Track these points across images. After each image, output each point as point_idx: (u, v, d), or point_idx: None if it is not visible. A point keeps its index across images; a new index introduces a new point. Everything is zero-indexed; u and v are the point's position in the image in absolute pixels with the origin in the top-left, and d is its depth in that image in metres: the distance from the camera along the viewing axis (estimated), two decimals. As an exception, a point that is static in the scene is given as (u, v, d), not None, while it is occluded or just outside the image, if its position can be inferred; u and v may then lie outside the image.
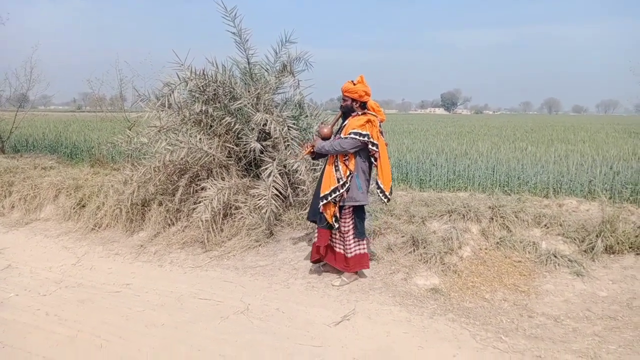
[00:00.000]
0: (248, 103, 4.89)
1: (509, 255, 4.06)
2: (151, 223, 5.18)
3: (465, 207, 4.55)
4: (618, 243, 3.92)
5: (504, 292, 3.61)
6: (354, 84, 3.63)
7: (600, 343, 2.89)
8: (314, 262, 4.01)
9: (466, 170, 6.92)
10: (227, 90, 5.07)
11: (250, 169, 5.41)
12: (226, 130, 5.16)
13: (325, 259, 3.93)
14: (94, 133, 11.51)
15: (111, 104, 11.43)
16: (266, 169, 4.75)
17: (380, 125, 3.69)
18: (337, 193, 3.60)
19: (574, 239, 4.12)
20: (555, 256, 3.92)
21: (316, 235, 3.85)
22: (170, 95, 4.75)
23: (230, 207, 4.96)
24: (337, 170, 3.63)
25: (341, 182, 3.60)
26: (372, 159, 3.68)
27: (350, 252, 3.78)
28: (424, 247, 4.10)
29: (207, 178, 5.11)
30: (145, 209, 5.36)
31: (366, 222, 4.03)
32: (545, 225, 4.33)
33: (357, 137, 3.52)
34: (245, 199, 4.93)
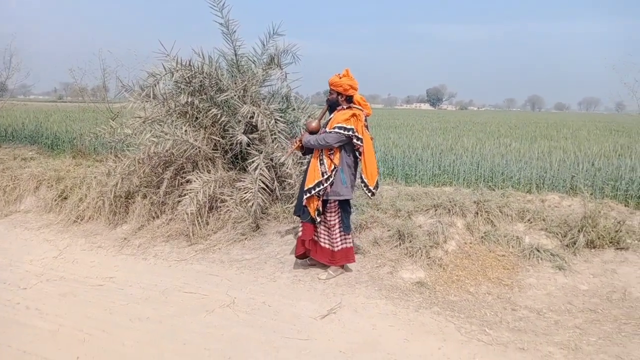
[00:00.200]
0: (235, 95, 4.84)
1: (493, 249, 4.11)
2: (135, 216, 5.11)
3: (450, 202, 4.59)
4: (599, 238, 3.99)
5: (488, 285, 3.66)
6: (340, 78, 3.62)
7: (581, 335, 2.95)
8: (299, 256, 4.00)
9: (451, 166, 6.97)
10: (213, 82, 5.01)
11: (237, 162, 5.37)
12: (212, 123, 5.10)
13: (310, 253, 3.92)
14: (76, 124, 11.27)
15: (93, 94, 11.20)
16: (253, 162, 4.72)
17: (366, 120, 3.69)
18: (321, 187, 3.60)
19: (557, 234, 4.20)
20: (538, 250, 3.99)
21: (301, 229, 3.85)
22: (156, 86, 4.68)
23: (216, 200, 4.92)
24: (322, 164, 3.63)
25: (325, 177, 3.59)
26: (357, 153, 3.67)
27: (337, 246, 3.78)
28: (410, 241, 4.13)
29: (193, 170, 5.05)
30: (129, 201, 5.28)
31: (352, 216, 4.03)
32: (529, 220, 4.39)
33: (342, 131, 3.51)
34: (231, 192, 4.89)
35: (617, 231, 4.01)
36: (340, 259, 3.81)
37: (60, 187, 5.81)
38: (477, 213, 4.49)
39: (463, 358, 2.72)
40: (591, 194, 4.88)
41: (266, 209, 4.99)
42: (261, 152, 4.80)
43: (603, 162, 6.81)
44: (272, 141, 4.83)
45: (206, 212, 4.84)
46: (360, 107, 3.65)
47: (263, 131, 4.80)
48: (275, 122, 4.80)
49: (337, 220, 3.77)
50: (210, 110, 4.96)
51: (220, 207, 4.90)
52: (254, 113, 4.66)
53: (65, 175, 6.12)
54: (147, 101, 4.94)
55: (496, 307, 3.35)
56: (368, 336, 2.96)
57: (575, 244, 4.00)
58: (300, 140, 3.77)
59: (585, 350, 2.78)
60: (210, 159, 5.13)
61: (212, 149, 5.10)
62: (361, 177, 3.68)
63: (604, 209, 4.44)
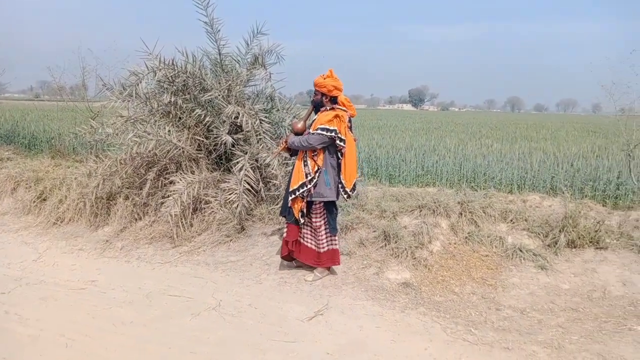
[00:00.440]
0: (219, 95, 4.79)
1: (477, 249, 4.16)
2: (117, 217, 5.02)
3: (435, 203, 4.62)
4: (579, 238, 4.07)
5: (473, 285, 3.70)
6: (324, 78, 3.62)
7: (563, 334, 3.01)
8: (284, 257, 3.99)
9: (434, 166, 7.04)
10: (197, 82, 4.95)
11: (221, 163, 5.32)
12: (196, 123, 5.04)
13: (295, 254, 3.90)
14: (54, 123, 11.02)
15: (71, 92, 10.93)
16: (238, 162, 4.68)
17: (350, 121, 3.69)
18: (305, 188, 3.60)
19: (538, 234, 4.27)
20: (520, 250, 4.05)
21: (285, 230, 3.84)
22: (138, 85, 4.60)
23: (200, 202, 4.86)
24: (305, 165, 3.62)
25: (309, 178, 3.59)
26: (340, 154, 3.67)
27: (323, 248, 3.78)
28: (395, 242, 4.15)
29: (176, 171, 4.99)
30: (111, 202, 5.18)
31: (338, 217, 4.04)
32: (511, 221, 4.46)
33: (324, 132, 3.51)
34: (216, 193, 4.84)
35: (596, 231, 4.10)
36: (327, 261, 3.81)
37: (39, 189, 5.66)
38: (461, 214, 4.54)
39: (449, 358, 2.75)
40: (571, 195, 4.98)
41: (251, 210, 4.95)
42: (246, 153, 4.76)
43: (582, 163, 6.97)
44: (257, 142, 4.80)
45: (190, 214, 4.78)
46: (344, 108, 3.65)
47: (248, 131, 4.77)
48: (260, 123, 4.77)
49: (322, 222, 3.76)
50: (194, 110, 4.90)
51: (205, 208, 4.84)
52: (238, 113, 4.62)
53: (44, 176, 5.97)
54: (128, 100, 4.86)
55: (481, 307, 3.39)
56: (355, 338, 2.96)
57: (556, 243, 4.08)
58: (286, 142, 3.76)
59: (568, 348, 2.84)
60: (194, 159, 5.07)
61: (196, 150, 5.04)
62: (340, 178, 3.68)
63: (584, 209, 4.53)
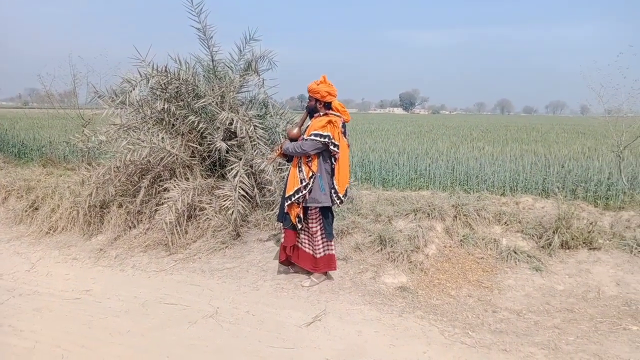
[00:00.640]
0: (212, 101, 4.79)
1: (472, 252, 4.19)
2: (111, 226, 4.98)
3: (429, 206, 4.65)
4: (573, 239, 4.12)
5: (469, 288, 3.72)
6: (318, 84, 3.63)
7: (560, 335, 3.03)
8: (282, 262, 3.99)
9: (427, 170, 7.09)
10: (190, 88, 4.95)
11: (215, 169, 5.30)
12: (189, 130, 5.03)
13: (293, 259, 3.91)
14: (45, 131, 10.94)
15: (61, 100, 10.84)
16: (232, 169, 4.67)
17: (344, 126, 3.71)
18: (300, 194, 3.60)
19: (532, 236, 4.31)
20: (515, 252, 4.08)
21: (283, 235, 3.84)
22: (131, 92, 4.58)
23: (195, 209, 4.85)
24: (300, 171, 3.63)
25: (304, 184, 3.59)
26: (333, 159, 3.68)
27: (319, 253, 3.78)
28: (391, 246, 4.16)
29: (170, 179, 4.96)
30: (105, 211, 5.15)
31: (334, 222, 4.04)
32: (505, 223, 4.49)
33: (318, 138, 3.52)
34: (210, 199, 4.83)
35: (589, 232, 4.15)
36: (323, 266, 3.81)
37: (31, 198, 5.60)
38: (456, 217, 4.57)
39: (448, 361, 2.76)
40: (564, 196, 5.03)
41: (246, 216, 4.94)
42: (240, 159, 4.76)
43: (573, 164, 7.04)
44: (252, 148, 4.80)
45: (185, 221, 4.76)
46: (337, 114, 3.66)
47: (242, 138, 4.77)
48: (254, 129, 4.77)
49: (318, 227, 3.77)
50: (187, 117, 4.89)
51: (199, 215, 4.83)
52: (232, 119, 4.61)
53: (35, 185, 5.91)
54: (121, 108, 4.84)
55: (477, 309, 3.41)
56: (354, 343, 2.96)
57: (550, 245, 4.12)
58: (282, 148, 3.77)
59: (564, 349, 2.86)
60: (188, 166, 5.05)
61: (190, 156, 5.03)
62: (332, 184, 3.69)
63: (576, 210, 4.59)
